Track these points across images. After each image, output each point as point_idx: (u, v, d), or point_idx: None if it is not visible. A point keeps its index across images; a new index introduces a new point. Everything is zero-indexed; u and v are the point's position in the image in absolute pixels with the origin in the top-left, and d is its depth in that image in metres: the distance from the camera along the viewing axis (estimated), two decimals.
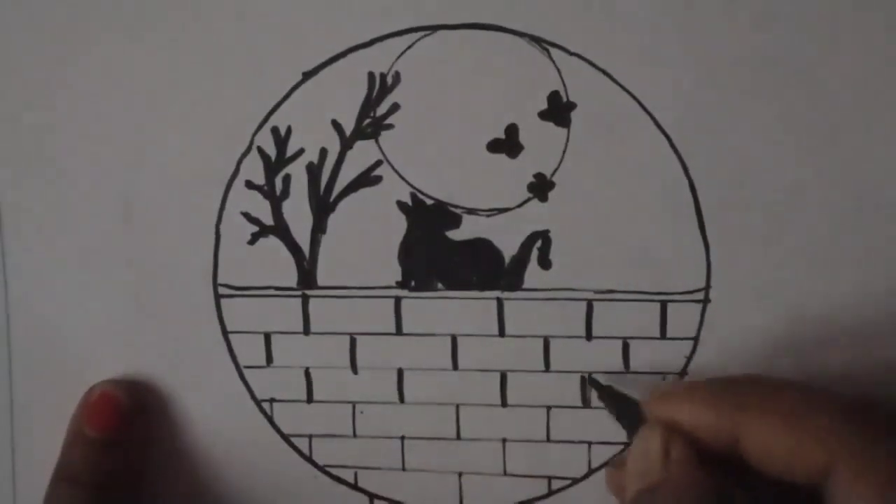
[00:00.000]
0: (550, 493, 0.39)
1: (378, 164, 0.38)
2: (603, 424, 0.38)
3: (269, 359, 0.40)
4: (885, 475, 0.27)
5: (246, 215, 0.39)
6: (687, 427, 0.31)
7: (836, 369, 0.37)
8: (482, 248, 0.38)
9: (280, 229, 0.39)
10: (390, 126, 0.38)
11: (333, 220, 0.39)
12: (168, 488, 0.41)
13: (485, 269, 0.38)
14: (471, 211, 0.38)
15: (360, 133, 0.38)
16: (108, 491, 0.39)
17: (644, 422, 0.33)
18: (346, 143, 0.38)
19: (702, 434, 0.31)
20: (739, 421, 0.30)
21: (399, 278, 0.39)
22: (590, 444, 0.39)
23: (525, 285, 0.38)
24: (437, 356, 0.39)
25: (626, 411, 0.35)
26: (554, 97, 0.37)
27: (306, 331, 0.39)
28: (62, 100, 0.39)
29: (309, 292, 0.39)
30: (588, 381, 0.38)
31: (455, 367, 0.39)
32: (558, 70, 0.37)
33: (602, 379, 0.38)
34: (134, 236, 0.39)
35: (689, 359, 0.38)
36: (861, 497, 0.27)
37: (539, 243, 0.38)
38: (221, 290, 0.39)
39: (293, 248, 0.39)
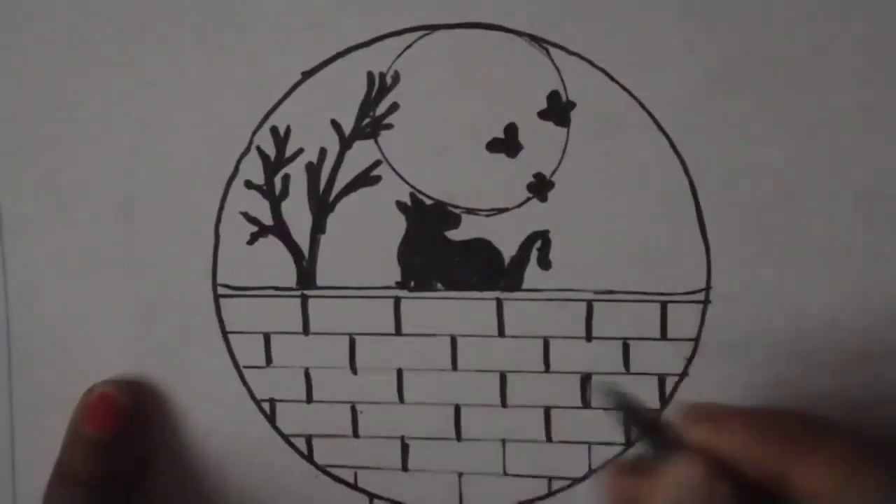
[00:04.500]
0: (550, 493, 0.39)
1: (377, 163, 0.38)
2: (603, 424, 0.38)
3: (269, 359, 0.40)
4: None
5: (245, 215, 0.39)
6: (729, 455, 0.29)
7: (837, 370, 0.37)
8: (482, 249, 0.38)
9: (279, 229, 0.39)
10: (389, 126, 0.38)
11: (333, 220, 0.39)
12: (168, 488, 0.41)
13: (484, 270, 0.38)
14: (470, 211, 0.38)
15: (360, 133, 0.38)
16: (108, 491, 0.39)
17: (673, 444, 0.30)
18: (346, 143, 0.38)
19: (745, 466, 0.29)
20: (793, 458, 0.29)
21: (398, 278, 0.39)
22: (590, 444, 0.39)
23: (525, 285, 0.38)
24: (436, 356, 0.39)
25: (649, 428, 0.32)
26: (553, 97, 0.37)
27: (306, 331, 0.39)
28: (62, 100, 0.39)
29: (308, 292, 0.39)
30: (605, 392, 0.34)
31: (455, 367, 0.39)
32: (558, 69, 0.37)
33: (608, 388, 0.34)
34: (133, 236, 0.39)
35: (690, 360, 0.38)
36: None
37: (539, 243, 0.38)
38: (221, 290, 0.39)
39: (292, 248, 0.39)
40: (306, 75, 0.38)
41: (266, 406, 0.40)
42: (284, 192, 0.39)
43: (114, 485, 0.39)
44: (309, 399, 0.40)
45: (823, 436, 0.30)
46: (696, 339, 0.37)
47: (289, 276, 0.39)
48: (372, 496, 0.40)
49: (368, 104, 0.38)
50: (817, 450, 0.29)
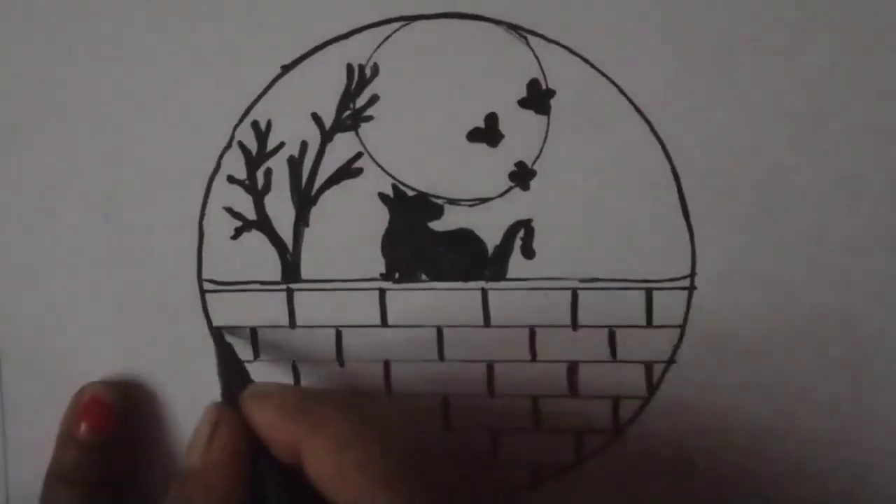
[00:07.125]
0: (539, 481, 0.39)
1: (359, 155, 0.38)
2: (592, 413, 0.38)
3: (256, 353, 0.40)
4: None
5: (228, 210, 0.39)
6: (259, 433, 0.32)
7: (823, 353, 0.37)
8: (465, 239, 0.38)
9: (263, 223, 0.39)
10: (370, 118, 0.38)
11: (316, 213, 0.39)
12: (160, 487, 0.41)
13: (468, 260, 0.38)
14: (453, 201, 0.38)
15: (340, 125, 0.38)
16: (102, 491, 0.39)
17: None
18: (327, 136, 0.38)
19: (270, 443, 0.31)
20: (298, 440, 0.31)
21: (383, 270, 0.39)
22: (579, 432, 0.39)
23: (509, 275, 0.38)
24: (423, 347, 0.39)
25: (235, 378, 0.35)
26: (533, 85, 0.37)
27: (292, 324, 0.39)
28: (43, 97, 0.39)
29: (293, 286, 0.39)
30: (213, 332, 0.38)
31: (441, 357, 0.39)
32: (537, 57, 0.37)
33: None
34: (117, 234, 0.39)
35: (677, 346, 0.37)
36: None
37: (522, 232, 0.38)
38: (206, 286, 0.39)
39: (276, 241, 0.39)
40: (286, 69, 0.38)
41: None
42: (267, 187, 0.39)
43: (107, 484, 0.39)
44: None
45: (326, 419, 0.31)
46: (683, 326, 0.37)
47: (274, 270, 0.39)
48: None
49: (348, 96, 0.38)
50: (314, 434, 0.30)
